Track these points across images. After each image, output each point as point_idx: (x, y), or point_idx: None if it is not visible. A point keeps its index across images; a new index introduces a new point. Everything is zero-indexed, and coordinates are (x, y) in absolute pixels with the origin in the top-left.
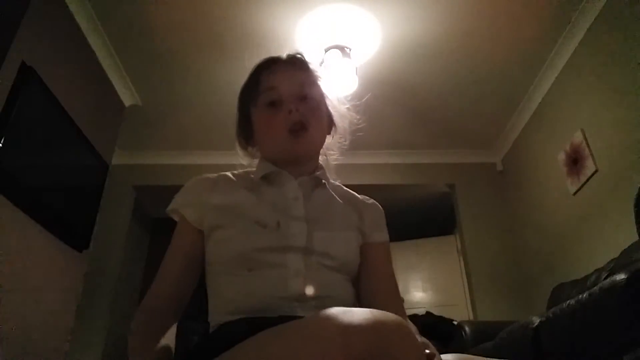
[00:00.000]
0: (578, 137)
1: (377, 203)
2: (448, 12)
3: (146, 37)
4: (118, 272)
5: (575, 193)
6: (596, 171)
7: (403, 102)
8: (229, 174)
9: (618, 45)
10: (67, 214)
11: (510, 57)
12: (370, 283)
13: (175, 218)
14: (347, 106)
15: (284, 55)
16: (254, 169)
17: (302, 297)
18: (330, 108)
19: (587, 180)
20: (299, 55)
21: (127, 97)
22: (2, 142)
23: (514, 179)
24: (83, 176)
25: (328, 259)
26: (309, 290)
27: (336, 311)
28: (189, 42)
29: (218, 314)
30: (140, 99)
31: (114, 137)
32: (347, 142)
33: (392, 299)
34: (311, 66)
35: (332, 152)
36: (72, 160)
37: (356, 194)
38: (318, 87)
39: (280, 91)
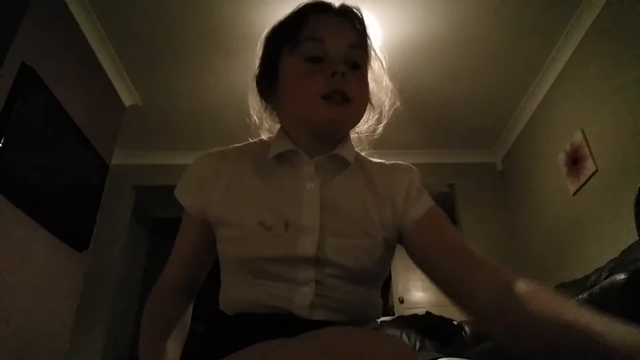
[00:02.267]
0: (578, 137)
1: (406, 166)
2: (448, 12)
3: (146, 37)
4: (118, 272)
5: (575, 193)
6: (596, 171)
7: (403, 102)
8: (242, 147)
9: (618, 45)
10: (67, 214)
11: (510, 56)
12: (438, 260)
13: (183, 214)
14: (391, 84)
15: (337, 3)
16: (269, 135)
17: (310, 314)
18: (369, 79)
19: (587, 180)
20: (355, 10)
21: (127, 97)
22: (2, 142)
23: (514, 179)
24: (83, 176)
25: (342, 271)
26: (317, 314)
27: (335, 331)
28: (190, 42)
29: (227, 308)
30: (140, 99)
31: (114, 137)
32: (380, 128)
33: (471, 260)
34: (365, 25)
35: (364, 134)
36: (72, 160)
37: (384, 163)
38: (368, 54)
39: (328, 47)
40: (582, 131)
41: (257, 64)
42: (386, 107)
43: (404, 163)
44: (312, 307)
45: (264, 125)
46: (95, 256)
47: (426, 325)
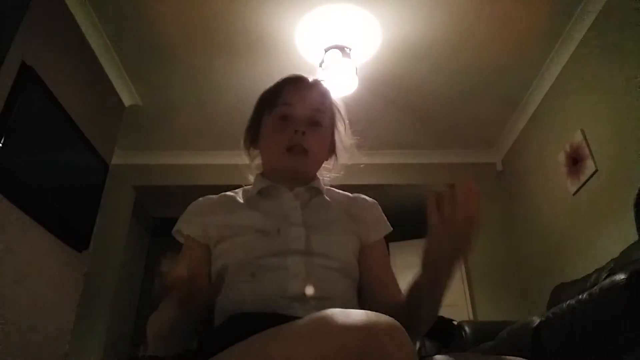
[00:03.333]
0: (578, 137)
1: (368, 199)
2: (448, 12)
3: (146, 37)
4: (118, 272)
5: (575, 193)
6: (596, 171)
7: (403, 102)
8: (228, 193)
9: (618, 45)
10: (67, 214)
11: (510, 57)
12: (368, 277)
13: (180, 239)
14: (353, 141)
15: (310, 77)
16: (250, 186)
17: (302, 298)
18: (336, 138)
19: (587, 180)
20: (323, 82)
21: (127, 97)
22: (2, 142)
23: (514, 179)
24: (83, 176)
25: (328, 260)
26: (309, 291)
27: (332, 312)
28: (189, 42)
29: (222, 318)
30: (140, 99)
31: (114, 137)
32: (342, 173)
33: (390, 287)
34: (331, 95)
35: (327, 178)
36: (72, 160)
37: (348, 194)
38: (331, 115)
39: (295, 110)
40: (582, 131)
41: (248, 122)
42: (345, 160)
43: (368, 197)
44: (305, 284)
45: (251, 168)
46: (95, 256)
47: None
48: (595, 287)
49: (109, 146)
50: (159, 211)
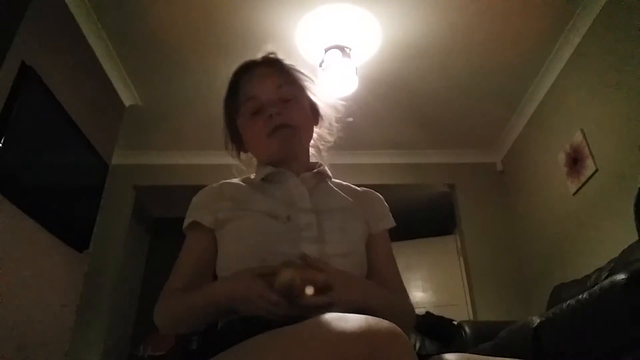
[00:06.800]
0: (578, 137)
1: (374, 192)
2: (448, 12)
3: (146, 37)
4: (118, 272)
5: (575, 193)
6: (596, 171)
7: (403, 102)
8: (229, 181)
9: (618, 45)
10: (67, 214)
11: (510, 57)
12: (371, 268)
13: (188, 233)
14: (330, 95)
15: (259, 57)
16: (253, 175)
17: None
18: (313, 98)
19: (587, 180)
20: (272, 56)
21: (127, 97)
22: (2, 142)
23: (514, 179)
24: (83, 176)
25: (340, 248)
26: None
27: (330, 317)
28: (189, 42)
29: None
30: (140, 99)
31: (114, 137)
32: (337, 126)
33: (391, 280)
34: (286, 63)
35: (324, 143)
36: (72, 160)
37: (355, 187)
38: (297, 83)
39: (261, 99)
40: (582, 131)
41: (224, 128)
42: (332, 113)
43: (370, 190)
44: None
45: (250, 168)
46: (95, 256)
47: (426, 325)
48: (595, 287)
49: (109, 146)
50: (159, 211)
